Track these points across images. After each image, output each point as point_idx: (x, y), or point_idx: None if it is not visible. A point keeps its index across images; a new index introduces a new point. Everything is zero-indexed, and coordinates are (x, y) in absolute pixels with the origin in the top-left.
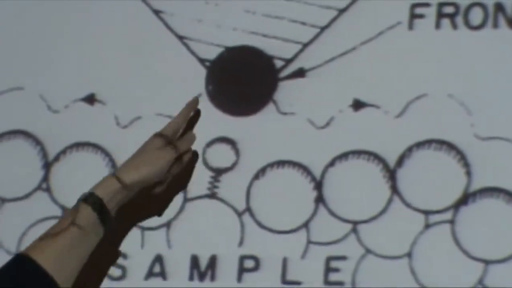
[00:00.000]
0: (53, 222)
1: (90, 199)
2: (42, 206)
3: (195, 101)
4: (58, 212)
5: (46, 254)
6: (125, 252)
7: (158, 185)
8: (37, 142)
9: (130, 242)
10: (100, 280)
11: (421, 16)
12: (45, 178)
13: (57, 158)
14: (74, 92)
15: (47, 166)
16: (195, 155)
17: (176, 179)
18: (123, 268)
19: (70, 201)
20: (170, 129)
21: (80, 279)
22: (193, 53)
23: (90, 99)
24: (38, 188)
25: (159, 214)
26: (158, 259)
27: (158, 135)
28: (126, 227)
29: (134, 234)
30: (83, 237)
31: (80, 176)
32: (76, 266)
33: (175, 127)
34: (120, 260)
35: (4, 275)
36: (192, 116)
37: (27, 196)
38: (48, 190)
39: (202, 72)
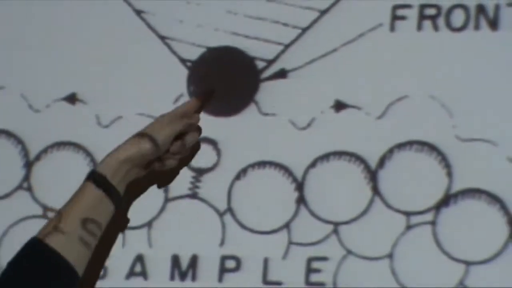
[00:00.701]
0: (34, 222)
1: (94, 176)
2: (23, 206)
3: (211, 93)
4: (39, 211)
5: (60, 238)
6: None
7: (160, 162)
8: (18, 141)
9: (111, 242)
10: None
11: (402, 17)
12: (26, 177)
13: (38, 157)
14: (55, 91)
15: (28, 165)
16: (195, 136)
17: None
18: (104, 268)
19: (52, 200)
20: (182, 108)
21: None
22: (174, 53)
23: (72, 99)
24: (19, 187)
25: (159, 187)
26: (139, 258)
27: (169, 112)
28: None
29: (115, 234)
30: (94, 214)
31: (61, 175)
32: (90, 245)
33: (187, 108)
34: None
35: (20, 260)
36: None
37: (8, 195)
38: (29, 189)
39: (183, 72)
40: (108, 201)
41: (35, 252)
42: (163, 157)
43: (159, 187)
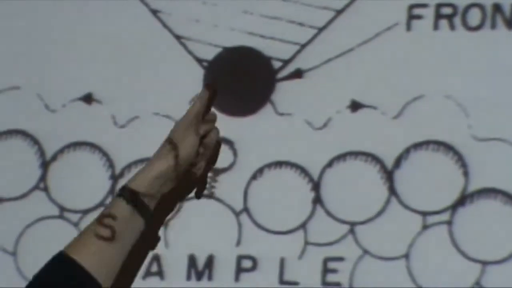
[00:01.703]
0: (50, 222)
1: (124, 193)
2: (39, 206)
3: (210, 86)
4: (55, 211)
5: (87, 253)
6: None
7: (195, 167)
8: (34, 141)
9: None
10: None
11: (419, 17)
12: (43, 178)
13: (54, 158)
14: (71, 91)
15: (45, 165)
16: (218, 132)
17: (206, 158)
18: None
19: (68, 201)
20: (193, 112)
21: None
22: (190, 53)
23: (88, 99)
24: (36, 187)
25: (198, 196)
26: (156, 258)
27: (182, 119)
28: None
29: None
30: (122, 231)
31: (78, 176)
32: (118, 261)
33: (197, 110)
34: None
35: (46, 276)
36: (209, 97)
37: (24, 195)
38: (45, 189)
39: (199, 72)
40: (138, 218)
41: (61, 267)
42: (192, 162)
43: (197, 196)
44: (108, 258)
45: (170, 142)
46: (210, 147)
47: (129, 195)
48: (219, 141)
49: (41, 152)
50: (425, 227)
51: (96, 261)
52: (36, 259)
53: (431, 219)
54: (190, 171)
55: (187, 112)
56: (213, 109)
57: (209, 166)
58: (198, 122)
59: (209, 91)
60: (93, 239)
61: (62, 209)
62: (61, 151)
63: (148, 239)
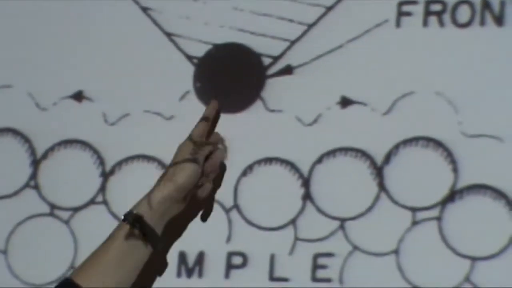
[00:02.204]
0: (41, 220)
1: (128, 217)
2: (30, 204)
3: (215, 103)
4: (46, 209)
5: (92, 279)
6: None
7: (199, 189)
8: (25, 139)
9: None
10: None
11: (408, 14)
12: (34, 176)
13: (45, 156)
14: (62, 89)
15: (36, 163)
16: (223, 152)
17: (212, 179)
18: None
19: (59, 198)
20: (197, 132)
21: None
22: (181, 50)
23: (78, 96)
24: (27, 185)
25: (204, 219)
26: None
27: (187, 140)
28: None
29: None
30: (128, 256)
31: (69, 173)
32: (125, 286)
33: (201, 130)
34: None
35: None
36: (214, 117)
37: (15, 193)
38: (36, 187)
39: (190, 69)
40: (144, 242)
41: None
42: (199, 183)
43: (203, 219)
44: (114, 283)
45: (168, 173)
46: (215, 167)
47: (133, 219)
48: (223, 162)
49: (32, 150)
50: (414, 223)
51: (101, 285)
52: (26, 257)
53: (420, 215)
54: (196, 193)
55: (192, 133)
56: (216, 130)
57: (215, 187)
58: (202, 143)
59: (214, 111)
60: (99, 264)
61: (53, 206)
62: (52, 149)
63: (155, 264)
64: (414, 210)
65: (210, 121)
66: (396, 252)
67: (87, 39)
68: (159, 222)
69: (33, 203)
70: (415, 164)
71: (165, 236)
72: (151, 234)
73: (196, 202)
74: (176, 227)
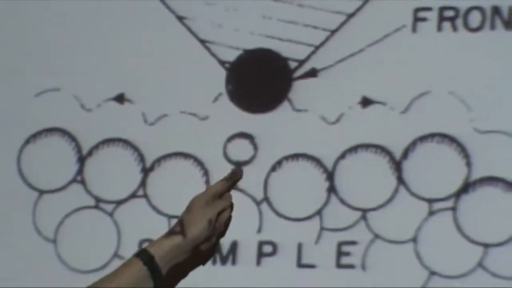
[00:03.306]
0: (87, 212)
1: (142, 255)
2: (77, 197)
3: (240, 173)
4: (92, 202)
5: None
6: (153, 238)
7: (204, 243)
8: (72, 138)
9: (157, 228)
10: None
11: (423, 19)
12: (80, 171)
13: (90, 153)
14: (105, 92)
15: (81, 160)
16: (230, 211)
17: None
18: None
19: (103, 192)
20: (215, 190)
21: None
22: (213, 55)
23: (120, 99)
24: (73, 180)
25: (204, 264)
26: None
27: (203, 194)
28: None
29: (161, 221)
30: (135, 285)
31: (111, 169)
32: None
33: (217, 190)
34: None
35: None
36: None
37: (63, 188)
38: (82, 182)
39: (222, 73)
40: (150, 279)
41: None
42: (205, 238)
43: (203, 263)
44: None
45: (181, 225)
46: (222, 224)
47: (147, 257)
48: (230, 217)
49: (78, 148)
50: (431, 213)
51: None
52: (74, 246)
53: (436, 206)
54: (200, 246)
55: (208, 189)
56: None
57: (218, 239)
58: (215, 200)
59: (236, 177)
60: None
61: (98, 200)
62: (96, 147)
63: None
64: (430, 201)
65: (229, 183)
66: (414, 240)
67: (128, 46)
68: (166, 265)
69: (79, 197)
70: (431, 158)
71: (166, 277)
72: (158, 273)
73: (199, 252)
74: (178, 272)
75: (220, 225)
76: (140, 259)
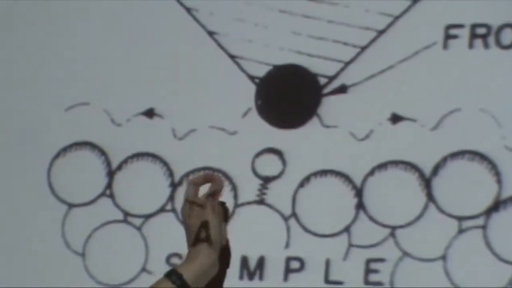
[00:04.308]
0: (115, 226)
1: (171, 275)
2: (106, 211)
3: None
4: (120, 216)
5: None
6: (181, 253)
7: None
8: (101, 152)
9: (185, 243)
10: None
11: (455, 36)
12: (109, 185)
13: (119, 167)
14: (135, 106)
15: (111, 174)
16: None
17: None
18: None
19: (132, 206)
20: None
21: None
22: (243, 70)
23: (150, 113)
24: (102, 194)
25: (228, 266)
26: None
27: (187, 203)
28: None
29: None
30: None
31: (141, 184)
32: None
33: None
34: (177, 260)
35: None
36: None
37: (92, 201)
38: (111, 196)
39: (251, 88)
40: None
41: None
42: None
43: (228, 266)
44: None
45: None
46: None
47: (180, 283)
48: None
49: (107, 162)
50: (460, 231)
51: None
52: (102, 260)
53: (466, 224)
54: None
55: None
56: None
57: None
58: (193, 206)
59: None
60: None
61: (126, 214)
62: (126, 161)
63: None
64: (460, 219)
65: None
66: (443, 258)
67: (159, 61)
68: (198, 284)
69: (108, 211)
70: (461, 176)
71: None
72: None
73: (221, 254)
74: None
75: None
76: (172, 283)
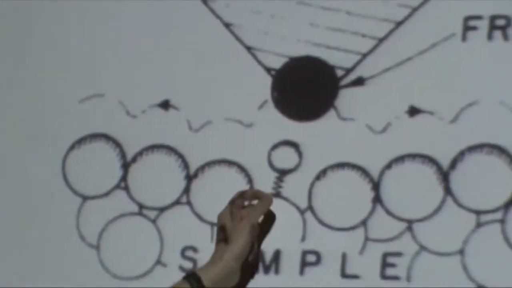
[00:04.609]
0: (130, 218)
1: (190, 278)
2: (120, 203)
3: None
4: (135, 208)
5: None
6: (196, 246)
7: (251, 250)
8: (116, 144)
9: (200, 236)
10: None
11: (474, 28)
12: (124, 178)
13: (134, 159)
14: (150, 98)
15: (125, 166)
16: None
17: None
18: (194, 261)
19: (146, 199)
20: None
21: None
22: (260, 62)
23: (165, 105)
24: (117, 186)
25: (253, 277)
26: None
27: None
28: None
29: (203, 229)
30: None
31: (156, 176)
32: None
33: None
34: (191, 253)
35: None
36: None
37: (107, 194)
38: (126, 188)
39: (268, 80)
40: None
41: None
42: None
43: (252, 277)
44: None
45: (224, 234)
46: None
47: (194, 281)
48: (272, 213)
49: (122, 154)
50: (478, 225)
51: None
52: (117, 253)
53: (484, 218)
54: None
55: (229, 205)
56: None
57: (261, 241)
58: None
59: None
60: None
61: (141, 206)
62: (140, 153)
63: None
64: (478, 213)
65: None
66: (461, 252)
67: (174, 52)
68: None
69: (123, 203)
70: (479, 169)
71: None
72: None
73: (247, 266)
74: None
75: (256, 233)
76: (188, 282)
